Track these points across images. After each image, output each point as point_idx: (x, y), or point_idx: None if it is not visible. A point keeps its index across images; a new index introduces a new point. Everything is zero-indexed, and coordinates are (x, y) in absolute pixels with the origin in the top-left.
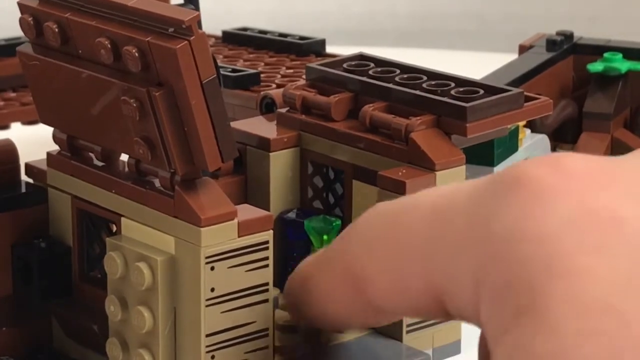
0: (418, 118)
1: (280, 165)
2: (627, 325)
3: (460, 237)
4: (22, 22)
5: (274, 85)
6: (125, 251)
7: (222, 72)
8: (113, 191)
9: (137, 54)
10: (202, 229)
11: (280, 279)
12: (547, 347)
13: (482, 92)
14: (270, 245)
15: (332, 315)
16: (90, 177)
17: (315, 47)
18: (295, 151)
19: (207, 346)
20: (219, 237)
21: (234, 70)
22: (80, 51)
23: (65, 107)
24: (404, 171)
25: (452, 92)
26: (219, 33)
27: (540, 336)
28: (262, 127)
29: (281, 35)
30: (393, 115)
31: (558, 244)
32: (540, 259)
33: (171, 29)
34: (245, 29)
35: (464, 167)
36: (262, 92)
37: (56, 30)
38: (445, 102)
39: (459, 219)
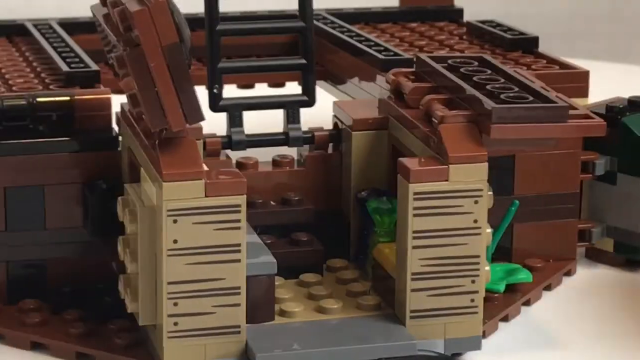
0: (455, 111)
1: (362, 145)
2: None
3: None
4: None
5: None
6: (127, 198)
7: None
8: (138, 144)
9: (119, 17)
10: (164, 183)
11: (358, 250)
12: None
13: (531, 98)
14: (243, 209)
15: None
16: (133, 129)
17: (527, 45)
18: (378, 133)
19: (169, 293)
20: (183, 193)
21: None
22: None
23: None
24: (422, 160)
25: (502, 95)
26: None
27: None
28: (360, 108)
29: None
30: (443, 107)
31: None
32: None
33: None
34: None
35: (485, 164)
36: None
37: None
38: (479, 100)
39: None
